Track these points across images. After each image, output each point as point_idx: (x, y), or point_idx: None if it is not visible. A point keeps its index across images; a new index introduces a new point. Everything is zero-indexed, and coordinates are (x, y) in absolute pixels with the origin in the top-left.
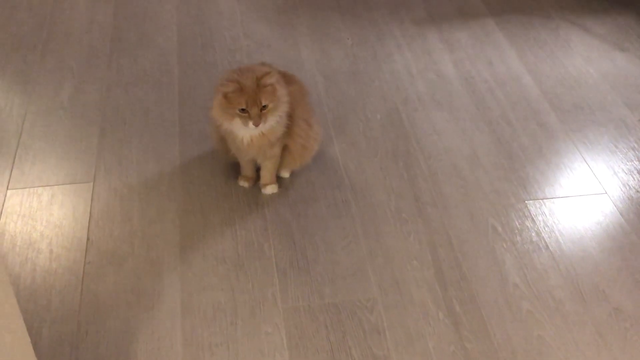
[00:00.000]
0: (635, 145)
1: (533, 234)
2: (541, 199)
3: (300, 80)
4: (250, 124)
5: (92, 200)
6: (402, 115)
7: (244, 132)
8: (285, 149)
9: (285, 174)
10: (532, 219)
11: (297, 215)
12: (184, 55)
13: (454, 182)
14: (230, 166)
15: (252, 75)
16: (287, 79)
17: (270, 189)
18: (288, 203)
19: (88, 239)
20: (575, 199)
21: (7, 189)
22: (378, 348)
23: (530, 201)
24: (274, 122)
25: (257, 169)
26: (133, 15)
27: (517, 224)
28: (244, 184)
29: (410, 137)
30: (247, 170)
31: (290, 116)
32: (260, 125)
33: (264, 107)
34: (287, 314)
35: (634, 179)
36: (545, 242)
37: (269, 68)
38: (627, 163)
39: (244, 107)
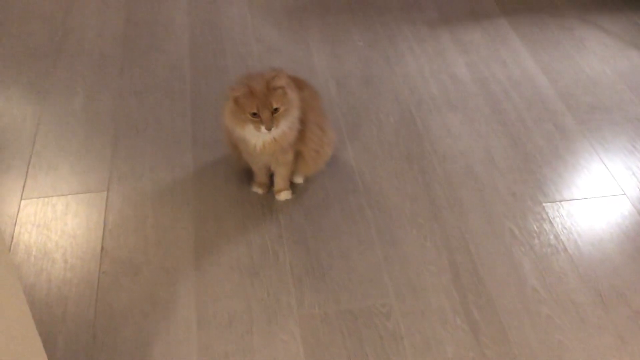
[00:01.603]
0: None
1: (551, 237)
2: (559, 201)
3: (312, 85)
4: (263, 128)
5: (105, 209)
6: (415, 118)
7: (256, 138)
8: (298, 155)
9: (299, 180)
10: (550, 221)
11: (311, 222)
12: (195, 61)
13: (469, 185)
14: (243, 173)
15: (261, 79)
16: (299, 84)
17: (284, 195)
18: (302, 209)
19: (102, 248)
20: (593, 201)
21: (22, 198)
22: (396, 355)
23: (548, 203)
24: (286, 127)
25: (271, 176)
26: (144, 22)
27: (534, 227)
28: (257, 190)
29: (424, 140)
30: (260, 176)
31: (303, 121)
32: (273, 130)
33: (276, 110)
34: (303, 321)
35: None
36: (564, 245)
37: (279, 71)
38: None
39: (255, 110)
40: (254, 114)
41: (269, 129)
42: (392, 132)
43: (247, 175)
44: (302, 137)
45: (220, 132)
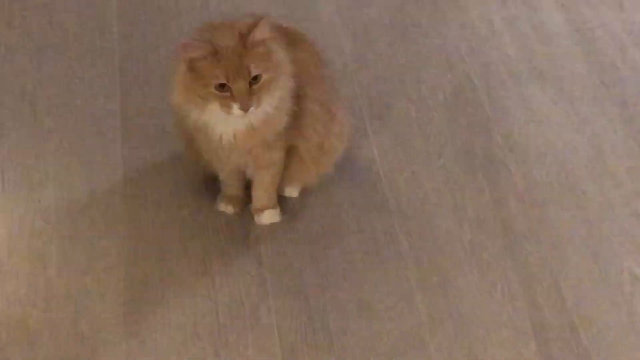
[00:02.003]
0: None
1: None
2: None
3: (313, 40)
4: (235, 107)
5: None
6: (480, 94)
7: (224, 125)
8: (291, 152)
9: (293, 193)
10: None
11: (311, 259)
12: (126, 3)
13: (566, 201)
14: (204, 181)
15: (232, 30)
16: (292, 38)
17: (269, 217)
18: (297, 239)
19: None
20: None
21: None
22: None
23: None
24: (270, 107)
25: (248, 186)
26: None
27: None
28: (226, 208)
29: (493, 128)
30: (230, 187)
31: (299, 98)
32: (251, 110)
33: (255, 78)
34: None
35: None
36: None
37: (260, 19)
38: None
39: (222, 80)
40: (221, 86)
41: (245, 108)
42: (441, 115)
43: (210, 185)
44: (298, 124)
45: (168, 117)
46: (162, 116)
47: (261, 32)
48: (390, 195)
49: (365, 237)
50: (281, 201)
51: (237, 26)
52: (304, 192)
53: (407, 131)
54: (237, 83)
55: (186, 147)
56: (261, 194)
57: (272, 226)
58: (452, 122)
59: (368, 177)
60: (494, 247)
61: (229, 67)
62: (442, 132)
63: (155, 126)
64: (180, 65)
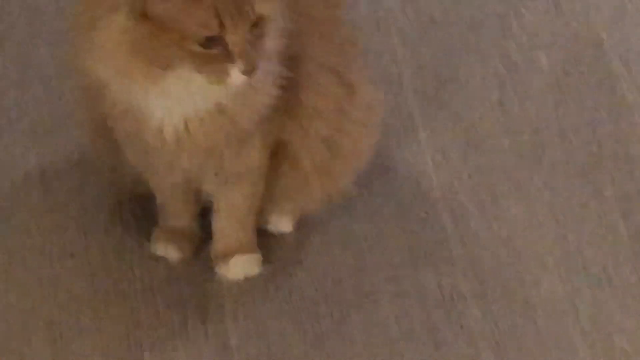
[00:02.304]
0: None
1: None
2: None
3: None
4: (235, 71)
5: None
6: (611, 64)
7: (171, 108)
8: (281, 153)
9: (284, 225)
10: None
11: (313, 347)
12: None
13: None
14: (127, 204)
15: None
16: None
17: (240, 268)
18: (290, 310)
19: None
20: None
21: None
22: None
23: None
24: (272, 43)
25: (204, 213)
26: None
27: None
28: (166, 252)
29: (636, 122)
30: (175, 215)
31: (294, 58)
32: (254, 74)
33: (254, 25)
34: None
35: None
36: None
37: None
38: None
39: (212, 31)
40: (209, 40)
41: (251, 69)
42: (539, 100)
43: (137, 211)
44: (292, 103)
45: (72, 101)
46: (57, 101)
47: None
48: (451, 230)
49: (408, 304)
50: (263, 241)
51: None
52: (303, 224)
53: (482, 123)
54: (237, 30)
55: (96, 147)
56: (228, 227)
57: (247, 284)
58: (559, 106)
59: (414, 199)
60: None
61: (222, 4)
62: (547, 124)
63: (51, 115)
64: (113, 13)
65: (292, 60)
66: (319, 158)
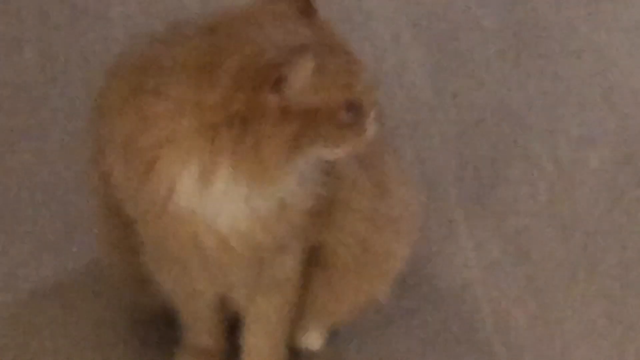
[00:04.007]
0: None
1: None
2: None
3: (354, 52)
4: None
5: None
6: None
7: (223, 206)
8: (313, 261)
9: (314, 342)
10: None
11: None
12: None
13: None
14: (148, 321)
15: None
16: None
17: None
18: None
19: None
20: None
21: None
22: None
23: None
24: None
25: (232, 329)
26: None
27: None
28: None
29: None
30: (201, 332)
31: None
32: None
33: None
34: None
35: None
36: None
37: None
38: None
39: (354, 96)
40: (350, 110)
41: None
42: (595, 195)
43: (159, 326)
44: (325, 205)
45: (77, 201)
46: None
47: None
48: (500, 347)
49: None
50: (294, 356)
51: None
52: (335, 337)
53: (531, 227)
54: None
55: (113, 259)
56: (259, 343)
57: None
58: (613, 207)
59: (458, 312)
60: None
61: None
62: (595, 224)
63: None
64: (262, 120)
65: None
66: (353, 259)
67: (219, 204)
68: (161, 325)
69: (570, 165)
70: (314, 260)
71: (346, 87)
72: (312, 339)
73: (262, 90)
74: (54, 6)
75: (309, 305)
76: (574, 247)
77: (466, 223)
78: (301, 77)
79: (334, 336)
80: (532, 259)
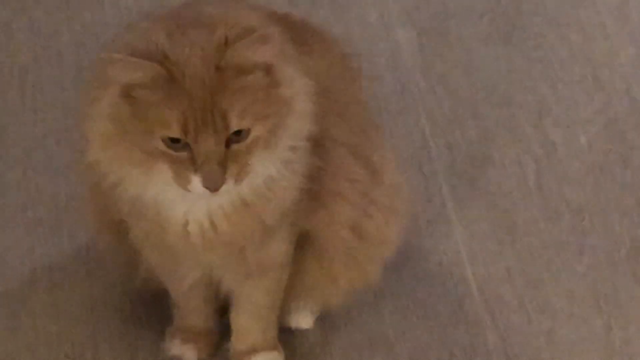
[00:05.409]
0: None
1: None
2: None
3: (340, 43)
4: (196, 182)
5: None
6: None
7: (191, 203)
8: (304, 244)
9: (304, 321)
10: None
11: None
12: None
13: None
14: (138, 300)
15: (204, 36)
16: (304, 38)
17: None
18: None
19: None
20: None
21: None
22: None
23: None
24: (273, 171)
25: (223, 309)
26: None
27: None
28: (183, 351)
29: None
30: (192, 313)
31: (317, 143)
32: (228, 186)
33: (237, 134)
34: None
35: None
36: None
37: (260, 28)
38: None
39: (175, 134)
40: (174, 141)
41: (213, 186)
42: (584, 174)
43: (149, 309)
44: (318, 190)
45: (74, 183)
46: (61, 183)
47: (259, 49)
48: (488, 324)
49: None
50: (284, 338)
51: (216, 26)
52: (326, 319)
53: (519, 207)
54: (202, 140)
55: (104, 243)
56: (249, 324)
57: None
58: (604, 183)
59: (447, 291)
60: None
61: (190, 108)
62: (582, 204)
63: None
64: (103, 97)
65: (315, 145)
66: (345, 244)
67: (174, 201)
68: (153, 304)
69: (559, 145)
70: (305, 244)
71: (173, 113)
72: (302, 319)
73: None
74: None
75: (300, 287)
76: (562, 226)
77: (455, 204)
78: (142, 81)
79: (324, 315)
80: (520, 238)
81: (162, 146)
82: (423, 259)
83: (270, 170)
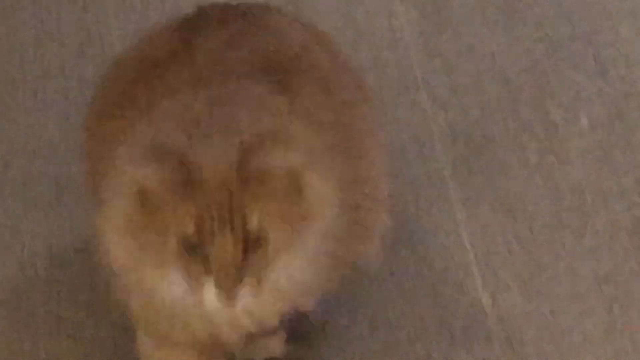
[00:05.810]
0: None
1: None
2: None
3: (340, 48)
4: (209, 289)
5: None
6: None
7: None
8: None
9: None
10: None
11: None
12: None
13: None
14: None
15: (225, 137)
16: (314, 59)
17: (263, 346)
18: None
19: None
20: None
21: None
22: None
23: None
24: (284, 279)
25: None
26: None
27: None
28: None
29: None
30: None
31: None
32: (243, 296)
33: (256, 240)
34: None
35: None
36: None
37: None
38: None
39: (189, 236)
40: (190, 243)
41: (230, 295)
42: (581, 162)
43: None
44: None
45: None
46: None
47: (282, 155)
48: (489, 306)
49: None
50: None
51: (240, 129)
52: (330, 303)
53: (520, 189)
54: (218, 243)
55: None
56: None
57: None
58: (605, 165)
59: (447, 273)
60: None
61: (208, 210)
62: (586, 183)
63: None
64: (117, 198)
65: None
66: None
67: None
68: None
69: (560, 126)
70: None
71: (186, 228)
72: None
73: None
74: None
75: None
76: (563, 207)
77: (456, 184)
78: (158, 185)
79: (326, 300)
80: (522, 219)
81: (176, 247)
82: (423, 240)
83: (295, 273)
